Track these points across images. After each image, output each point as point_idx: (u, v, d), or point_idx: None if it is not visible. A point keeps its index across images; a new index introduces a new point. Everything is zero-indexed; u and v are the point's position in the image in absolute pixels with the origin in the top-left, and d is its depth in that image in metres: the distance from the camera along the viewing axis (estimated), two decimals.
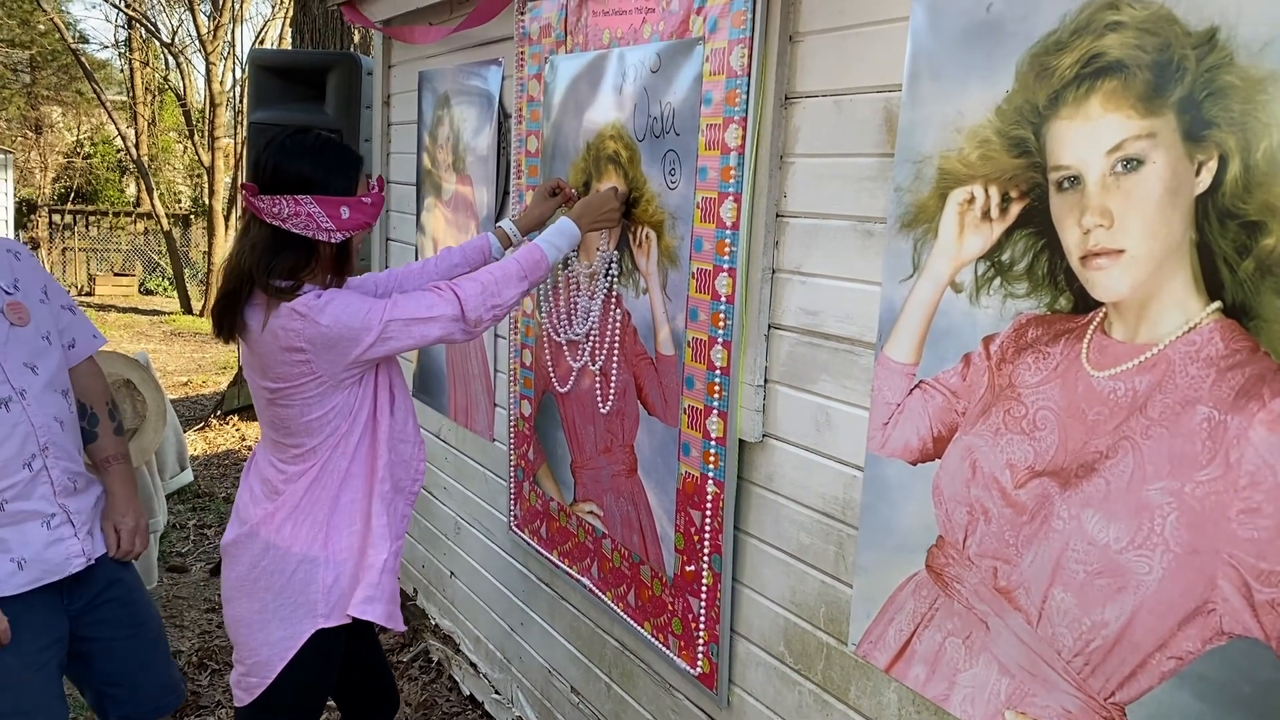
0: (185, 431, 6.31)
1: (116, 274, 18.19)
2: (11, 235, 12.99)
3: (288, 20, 7.62)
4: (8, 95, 19.12)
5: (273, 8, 18.37)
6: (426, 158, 3.51)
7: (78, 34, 19.75)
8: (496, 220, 2.95)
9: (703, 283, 2.06)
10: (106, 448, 2.33)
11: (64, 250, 19.46)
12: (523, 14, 2.73)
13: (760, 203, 1.92)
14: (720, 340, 2.02)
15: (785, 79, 1.88)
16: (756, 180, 1.92)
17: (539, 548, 2.82)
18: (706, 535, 2.10)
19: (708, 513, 2.09)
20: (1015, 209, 1.47)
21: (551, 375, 2.65)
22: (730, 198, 1.97)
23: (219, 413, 7.74)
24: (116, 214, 20.34)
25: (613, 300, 2.38)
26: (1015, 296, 1.48)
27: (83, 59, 17.93)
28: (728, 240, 1.98)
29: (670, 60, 2.15)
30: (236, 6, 17.03)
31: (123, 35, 20.16)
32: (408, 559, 3.90)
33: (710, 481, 2.07)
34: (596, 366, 2.44)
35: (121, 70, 20.83)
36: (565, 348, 2.58)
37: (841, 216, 1.78)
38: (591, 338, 2.46)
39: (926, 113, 1.59)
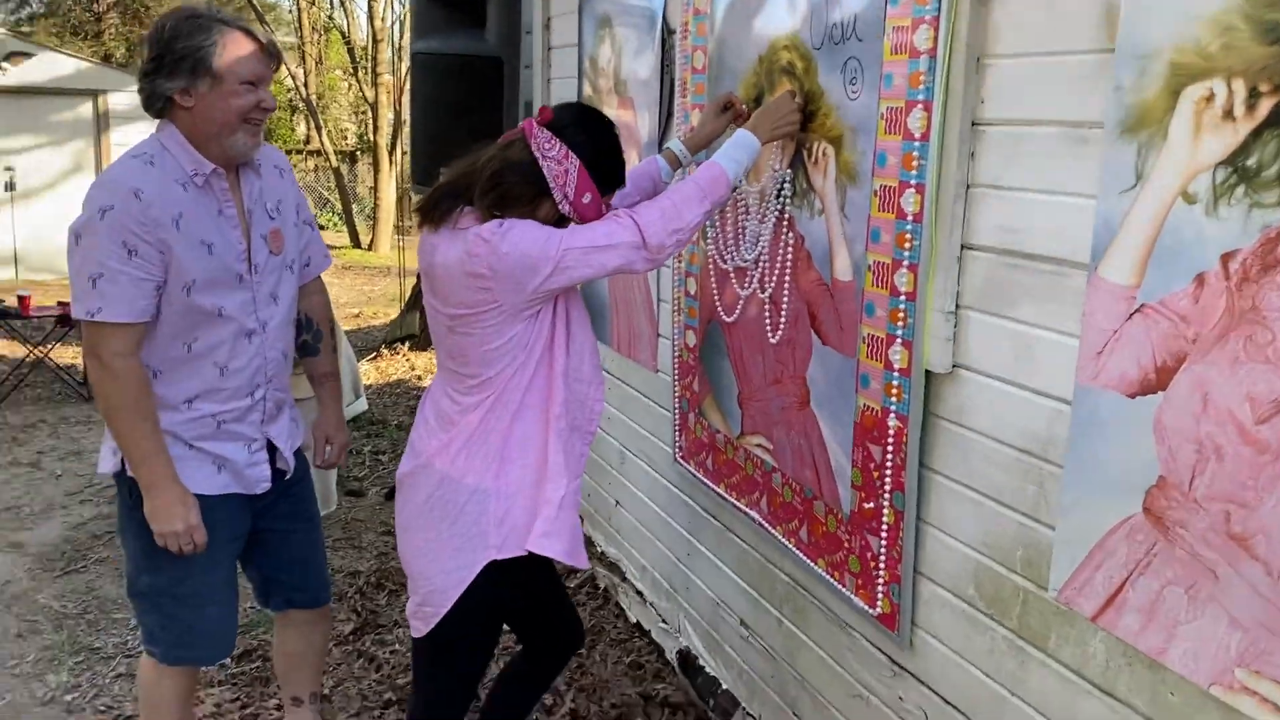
0: (358, 361, 6.55)
1: None
2: None
3: None
4: None
5: None
6: (587, 84, 3.43)
7: None
8: (660, 145, 2.85)
9: (886, 201, 1.92)
10: (324, 364, 2.53)
11: None
12: None
13: (954, 111, 1.75)
14: (906, 263, 1.88)
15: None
16: (950, 86, 1.75)
17: (705, 480, 2.76)
18: (888, 472, 1.98)
19: (889, 448, 1.97)
20: (1265, 105, 1.27)
21: (717, 303, 2.56)
22: (919, 106, 1.81)
23: (389, 342, 8.01)
24: (288, 152, 21.25)
25: (784, 223, 2.26)
26: (1263, 206, 1.29)
27: (254, 2, 18.62)
28: (916, 153, 1.82)
29: None
30: None
31: None
32: None
33: (892, 415, 1.95)
34: (766, 294, 2.33)
35: (290, 11, 21.55)
36: (732, 274, 2.47)
37: (1049, 122, 1.60)
38: (761, 263, 2.35)
39: (1154, 1, 1.40)
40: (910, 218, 1.85)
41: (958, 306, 1.82)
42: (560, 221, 2.04)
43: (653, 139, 2.95)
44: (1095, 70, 1.51)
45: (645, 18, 2.96)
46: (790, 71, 2.21)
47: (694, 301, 2.72)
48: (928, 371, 1.88)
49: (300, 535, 2.47)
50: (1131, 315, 1.47)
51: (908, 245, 1.87)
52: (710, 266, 2.57)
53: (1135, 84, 1.43)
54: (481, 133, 4.13)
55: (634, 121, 3.08)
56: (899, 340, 1.91)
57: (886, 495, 2.00)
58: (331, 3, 19.86)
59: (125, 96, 11.01)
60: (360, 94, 18.79)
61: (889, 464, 1.98)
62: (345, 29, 18.79)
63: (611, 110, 3.23)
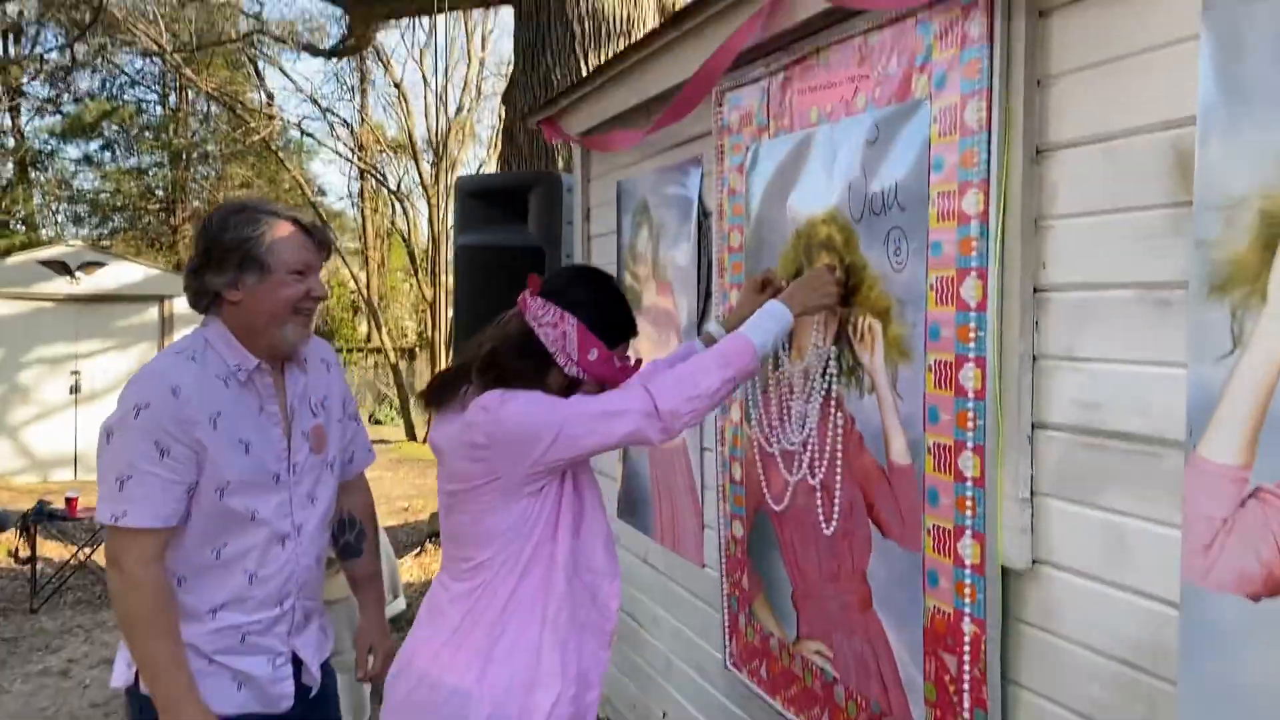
0: (401, 557, 6.35)
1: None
2: None
3: (498, 157, 7.96)
4: None
5: (487, 149, 19.52)
6: (627, 272, 3.37)
7: (318, 188, 21.62)
8: (698, 330, 2.73)
9: (943, 376, 1.74)
10: (367, 565, 2.35)
11: None
12: (720, 105, 2.55)
13: (1012, 277, 1.60)
14: (970, 445, 1.68)
15: (1035, 130, 1.58)
16: (1006, 251, 1.60)
17: (760, 690, 2.47)
18: (966, 686, 1.72)
19: (965, 658, 1.71)
20: None
21: (765, 491, 2.35)
22: (973, 274, 1.65)
23: (433, 534, 7.83)
24: (350, 350, 21.78)
25: (832, 402, 2.08)
26: None
27: (320, 210, 19.57)
28: (972, 324, 1.66)
29: (890, 128, 1.89)
30: (455, 152, 18.22)
31: (355, 187, 21.92)
32: (614, 697, 3.62)
33: (967, 619, 1.70)
34: (816, 480, 2.13)
35: (354, 219, 22.60)
36: (779, 458, 2.28)
37: (1123, 285, 1.44)
38: (809, 446, 2.16)
39: (1235, 145, 1.25)
40: (971, 394, 1.67)
41: (1033, 493, 1.61)
42: (572, 386, 1.90)
43: (692, 322, 2.84)
44: (1171, 225, 1.36)
45: (681, 201, 2.91)
46: (829, 246, 2.09)
47: (739, 488, 2.52)
48: (1004, 568, 1.65)
49: None
50: (1245, 501, 1.24)
51: (971, 425, 1.67)
52: (755, 450, 2.39)
53: (1221, 238, 1.26)
54: None
55: (673, 307, 2.98)
56: (969, 532, 1.69)
57: (966, 713, 1.72)
58: (394, 209, 20.84)
59: None
60: (420, 293, 19.38)
61: (967, 677, 1.71)
62: (406, 233, 19.60)
63: (651, 296, 3.14)
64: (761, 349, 1.91)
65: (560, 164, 7.07)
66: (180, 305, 11.58)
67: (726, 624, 2.64)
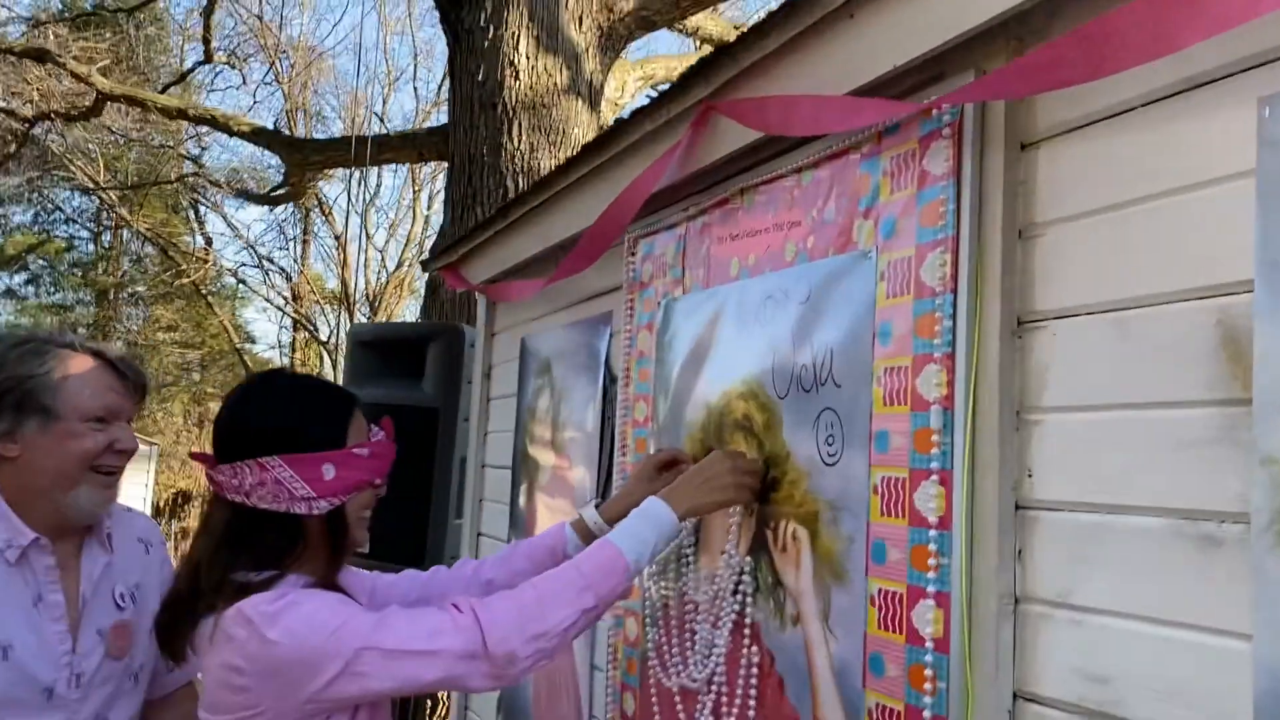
0: None
1: None
2: None
3: (421, 311, 7.64)
4: (175, 391, 20.29)
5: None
6: (526, 436, 2.92)
7: (246, 335, 21.07)
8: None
9: (891, 615, 1.29)
10: None
11: None
12: (633, 254, 2.17)
13: (986, 485, 1.17)
14: (929, 712, 1.21)
15: (1018, 294, 1.19)
16: (977, 452, 1.19)
17: None
18: None
19: None
20: None
21: None
22: (932, 478, 1.23)
23: None
24: None
25: (745, 631, 1.61)
26: None
27: (247, 359, 19.00)
28: (931, 546, 1.22)
29: (825, 285, 1.50)
30: (393, 307, 17.92)
31: (286, 337, 21.40)
32: None
33: None
34: None
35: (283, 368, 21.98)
36: (678, 699, 1.79)
37: (1146, 509, 1.02)
38: (716, 687, 1.67)
39: None
40: (930, 644, 1.22)
41: None
42: (339, 522, 1.43)
43: (590, 502, 2.37)
44: (1220, 431, 0.95)
45: (588, 363, 2.49)
46: (746, 427, 1.66)
47: None
48: None
49: None
50: None
51: (929, 687, 1.21)
52: (652, 682, 1.89)
53: None
54: (410, 492, 3.60)
55: (572, 480, 2.51)
56: None
57: None
58: (322, 359, 20.28)
59: None
60: None
61: None
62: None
63: (548, 466, 2.68)
64: (635, 565, 1.45)
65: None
66: None
67: None
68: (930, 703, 1.21)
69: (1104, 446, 1.07)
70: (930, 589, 1.22)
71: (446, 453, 3.52)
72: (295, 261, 19.82)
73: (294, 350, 20.47)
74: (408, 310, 18.12)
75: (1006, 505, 1.16)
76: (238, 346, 18.67)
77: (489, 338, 3.31)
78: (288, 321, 20.65)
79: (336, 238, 18.97)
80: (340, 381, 4.11)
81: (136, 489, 13.02)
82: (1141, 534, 1.02)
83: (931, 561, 1.22)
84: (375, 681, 1.28)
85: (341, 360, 19.21)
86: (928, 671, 1.21)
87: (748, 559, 1.62)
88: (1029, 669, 1.13)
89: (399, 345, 3.73)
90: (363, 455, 1.46)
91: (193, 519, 19.62)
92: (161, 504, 20.42)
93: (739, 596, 1.63)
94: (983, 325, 1.20)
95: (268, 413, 1.45)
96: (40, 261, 19.87)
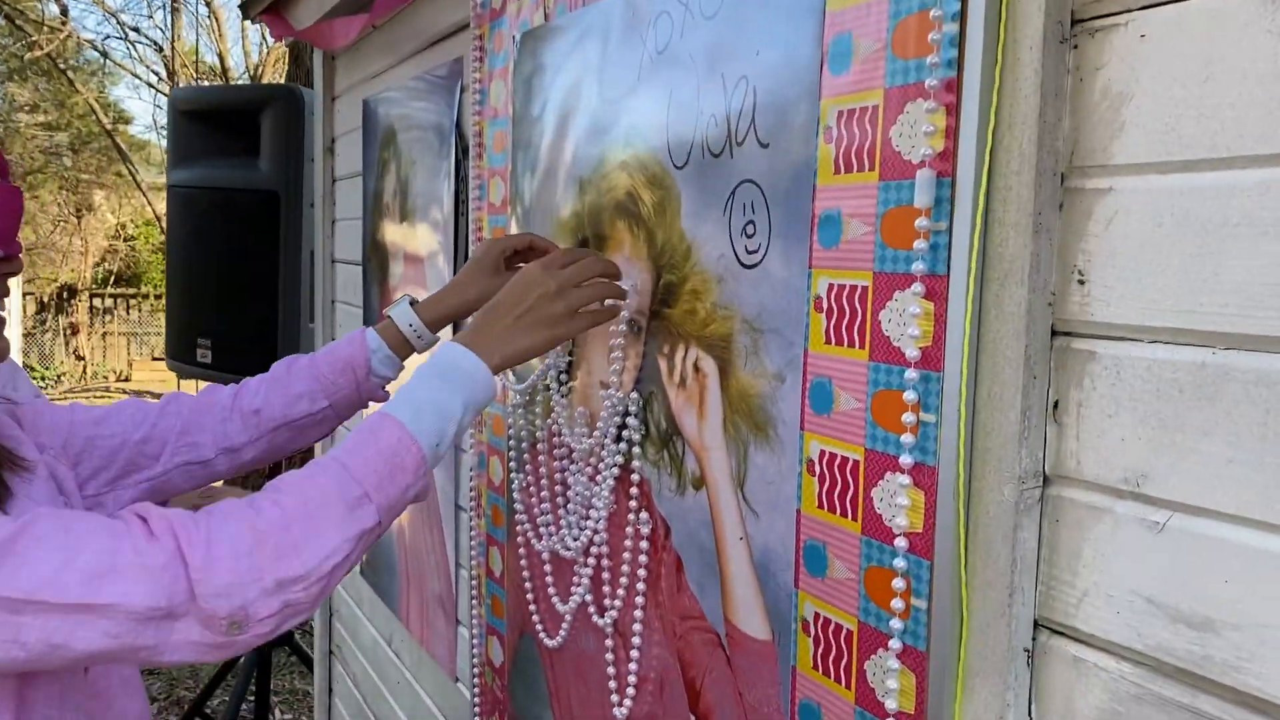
0: None
1: (155, 358, 17.75)
2: (17, 328, 11.60)
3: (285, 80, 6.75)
4: (43, 179, 18.76)
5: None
6: (375, 223, 2.37)
7: (117, 115, 19.33)
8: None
9: (839, 490, 0.86)
10: None
11: (104, 335, 19.22)
12: None
13: (1007, 298, 0.71)
14: (898, 641, 0.80)
15: None
16: (992, 241, 0.72)
17: None
18: None
19: None
20: None
21: (533, 609, 1.44)
22: (914, 287, 0.77)
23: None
24: (158, 296, 19.76)
25: (632, 491, 1.18)
26: None
27: (120, 141, 17.54)
28: (909, 392, 0.77)
29: None
30: (275, 81, 16.46)
31: (163, 118, 19.69)
32: None
33: None
34: (606, 620, 1.23)
35: (163, 151, 20.40)
36: (549, 567, 1.37)
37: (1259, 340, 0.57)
38: (595, 558, 1.25)
39: None
40: (901, 542, 0.79)
41: None
42: None
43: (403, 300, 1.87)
44: None
45: (435, 124, 1.93)
46: (630, 211, 1.16)
47: (498, 589, 1.60)
48: None
49: None
50: None
51: (897, 606, 0.79)
52: (522, 540, 1.46)
53: None
54: (254, 292, 3.05)
55: (428, 280, 2.00)
56: None
57: None
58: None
59: None
60: None
61: None
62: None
63: (400, 261, 2.16)
64: (433, 453, 0.96)
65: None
66: None
67: None
68: (900, 627, 0.79)
69: (1233, 230, 0.60)
70: (905, 459, 0.78)
71: (292, 245, 2.95)
72: (165, 32, 17.97)
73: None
74: None
75: (1039, 329, 0.71)
76: (108, 128, 17.07)
77: (329, 102, 2.69)
78: (163, 100, 18.95)
79: (208, 4, 17.16)
80: (165, 161, 3.45)
81: (13, 283, 12.10)
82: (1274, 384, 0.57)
83: (908, 417, 0.77)
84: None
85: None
86: (897, 582, 0.79)
87: (634, 395, 1.17)
88: (1064, 591, 0.71)
89: (228, 114, 3.08)
90: None
91: (80, 314, 18.62)
92: (45, 299, 19.37)
93: (622, 445, 1.18)
94: (1012, 25, 0.70)
95: None
96: None
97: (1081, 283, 0.69)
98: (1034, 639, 0.73)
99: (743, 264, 0.98)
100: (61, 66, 17.33)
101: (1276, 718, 0.59)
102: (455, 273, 1.82)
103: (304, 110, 2.90)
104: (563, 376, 1.33)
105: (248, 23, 5.73)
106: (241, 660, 3.18)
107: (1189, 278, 0.63)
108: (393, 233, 2.20)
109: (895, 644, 0.80)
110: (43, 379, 16.06)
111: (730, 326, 0.99)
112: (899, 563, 0.79)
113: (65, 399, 14.51)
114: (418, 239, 2.03)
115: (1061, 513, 0.71)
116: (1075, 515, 0.70)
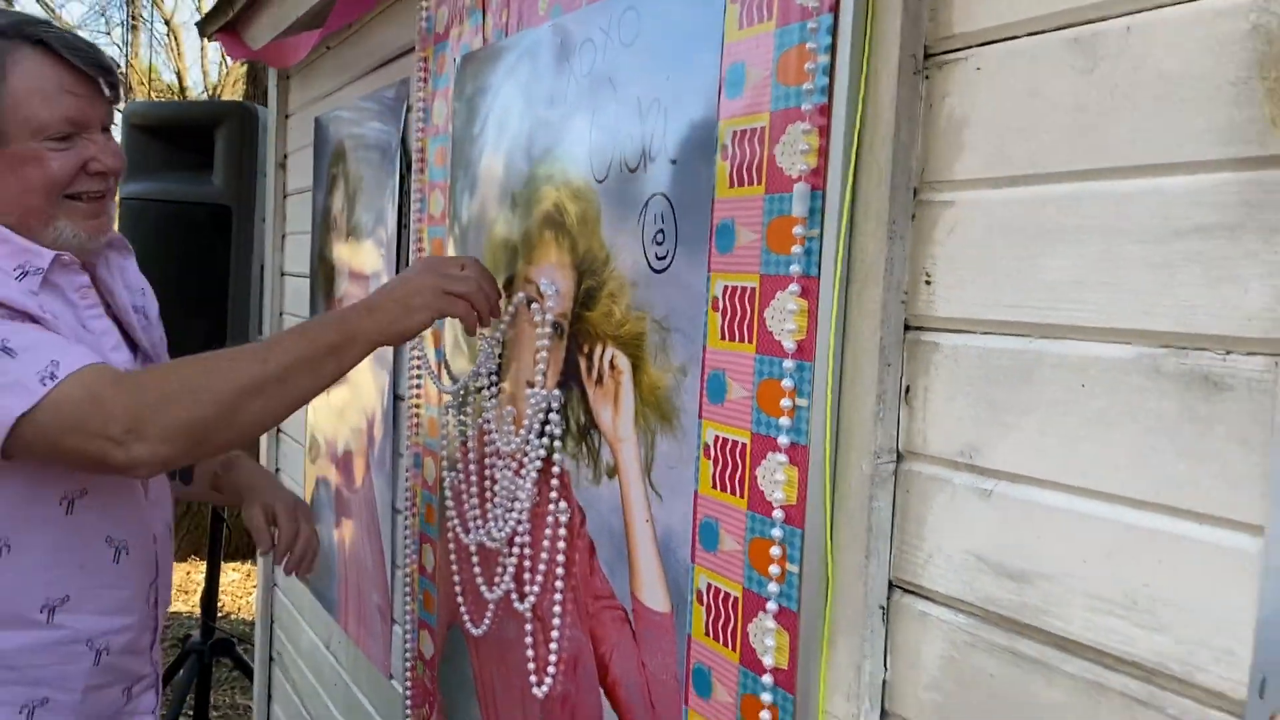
0: None
1: None
2: None
3: (243, 97, 6.77)
4: None
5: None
6: (323, 237, 2.45)
7: None
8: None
9: (730, 471, 0.95)
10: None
11: None
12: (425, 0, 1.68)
13: (867, 298, 0.81)
14: (773, 605, 0.89)
15: (926, 8, 0.80)
16: (855, 247, 0.82)
17: None
18: None
19: None
20: None
21: (460, 601, 1.51)
22: (791, 288, 0.86)
23: None
24: None
25: (553, 482, 1.26)
26: None
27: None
28: (786, 381, 0.87)
29: (659, 18, 1.08)
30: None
31: (118, 135, 19.48)
32: None
33: None
34: (525, 605, 1.31)
35: None
36: (476, 559, 1.45)
37: (1108, 333, 0.67)
38: (519, 548, 1.33)
39: None
40: (779, 514, 0.88)
41: (886, 713, 0.84)
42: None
43: None
44: (1237, 210, 0.60)
45: (381, 146, 2.02)
46: (557, 222, 1.26)
47: (430, 584, 1.67)
48: None
49: None
50: None
51: (774, 571, 0.89)
52: (451, 535, 1.54)
53: None
54: (200, 307, 3.10)
55: (368, 290, 2.07)
56: None
57: None
58: None
59: None
60: None
61: None
62: None
63: (344, 276, 2.23)
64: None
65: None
66: None
67: None
68: (777, 590, 0.89)
69: (1046, 237, 0.71)
70: (782, 440, 0.87)
71: (243, 259, 3.01)
72: (124, 49, 17.87)
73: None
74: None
75: (893, 323, 0.81)
76: None
77: (283, 119, 2.77)
78: (119, 118, 18.79)
79: (166, 22, 17.09)
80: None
81: None
82: (1097, 369, 0.68)
83: (785, 403, 0.87)
84: None
85: None
86: (774, 550, 0.88)
87: (556, 392, 1.25)
88: (913, 553, 0.81)
89: (183, 130, 3.12)
90: None
91: None
92: None
93: (545, 440, 1.27)
94: (873, 57, 0.81)
95: None
96: None
97: (929, 283, 0.79)
98: (889, 597, 0.83)
99: (654, 269, 1.07)
100: None
101: (1076, 654, 0.69)
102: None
103: (258, 127, 2.96)
104: (493, 378, 1.41)
105: (206, 41, 5.78)
106: (180, 674, 3.19)
107: (1013, 277, 0.73)
108: (340, 247, 2.28)
109: (772, 605, 0.89)
110: None
111: (643, 326, 1.09)
112: (776, 532, 0.88)
113: None
114: (363, 253, 2.11)
115: (911, 484, 0.81)
116: (922, 486, 0.80)
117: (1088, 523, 0.68)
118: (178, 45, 17.31)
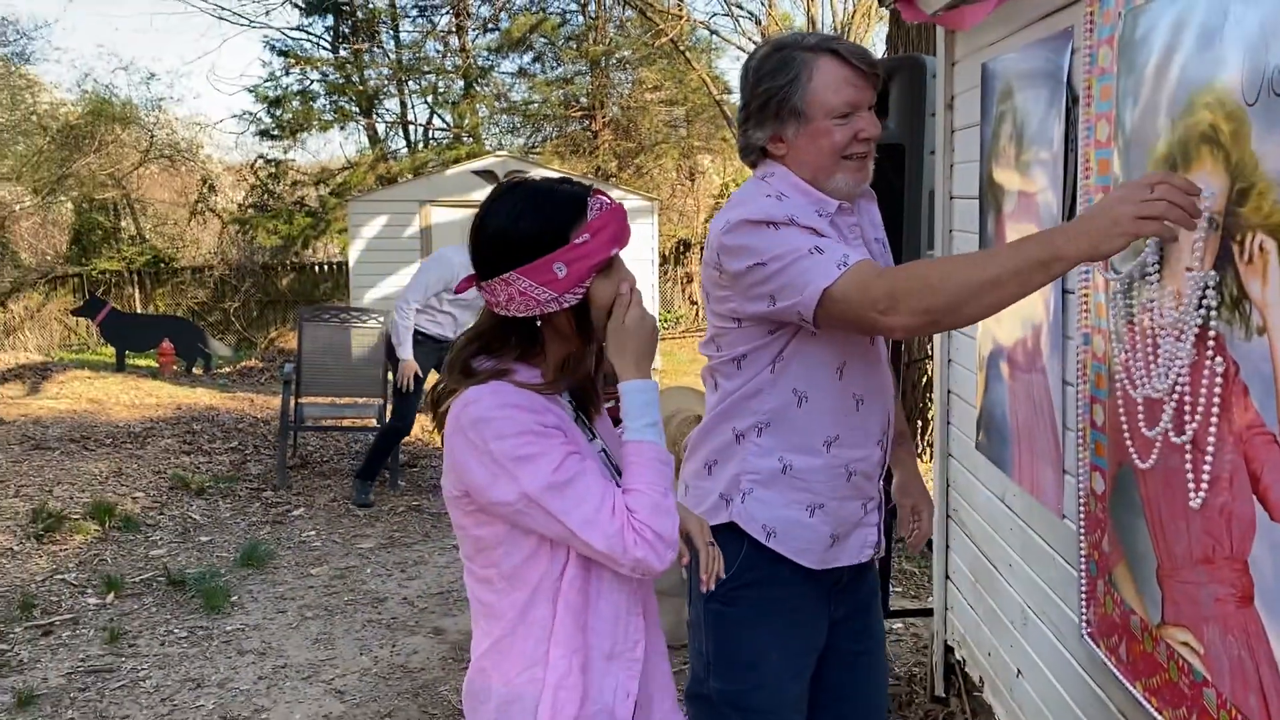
0: None
1: None
2: (655, 275, 14.40)
3: (886, 40, 7.39)
4: (666, 149, 21.79)
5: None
6: (991, 164, 2.93)
7: (724, 86, 21.81)
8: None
9: None
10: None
11: None
12: None
13: None
14: None
15: None
16: None
17: (1118, 672, 2.09)
18: None
19: None
20: None
21: (1129, 443, 1.93)
22: None
23: None
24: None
25: (1209, 342, 1.63)
26: None
27: (726, 108, 19.80)
28: None
29: None
30: (860, 36, 17.43)
31: None
32: (971, 641, 3.32)
33: None
34: (1184, 438, 1.69)
35: None
36: (1142, 407, 1.85)
37: None
38: (1179, 394, 1.72)
39: None
40: None
41: None
42: (583, 314, 1.61)
43: (1056, 222, 2.39)
44: None
45: (1048, 81, 2.43)
46: (1211, 139, 1.60)
47: (1101, 435, 2.11)
48: None
49: (865, 658, 2.16)
50: None
51: None
52: (1120, 393, 1.96)
53: None
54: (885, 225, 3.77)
55: (1038, 205, 2.53)
56: None
57: None
58: None
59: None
60: None
61: None
62: None
63: (1014, 192, 2.70)
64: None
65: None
66: None
67: (1084, 588, 2.26)
68: None
69: None
70: None
71: (914, 187, 3.61)
72: (763, 3, 19.83)
73: None
74: (875, 38, 17.51)
75: None
76: (717, 99, 19.40)
77: (949, 67, 3.29)
78: None
79: None
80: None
81: (644, 240, 14.33)
82: None
83: None
84: (534, 523, 1.58)
85: None
86: None
87: (1212, 273, 1.62)
88: None
89: None
90: (585, 241, 1.56)
91: (693, 265, 21.40)
92: (666, 253, 22.39)
93: (1203, 310, 1.64)
94: None
95: (499, 230, 1.59)
96: (541, 39, 21.87)
97: None
98: None
99: None
100: (680, 48, 20.01)
101: None
102: (1063, 197, 2.33)
103: (926, 75, 3.52)
104: (1152, 269, 1.79)
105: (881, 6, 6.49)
106: None
107: None
108: (1007, 172, 2.75)
109: None
110: (664, 321, 18.76)
111: None
112: None
113: (682, 339, 16.71)
114: (1031, 172, 2.56)
115: None
116: None
117: None
118: None
